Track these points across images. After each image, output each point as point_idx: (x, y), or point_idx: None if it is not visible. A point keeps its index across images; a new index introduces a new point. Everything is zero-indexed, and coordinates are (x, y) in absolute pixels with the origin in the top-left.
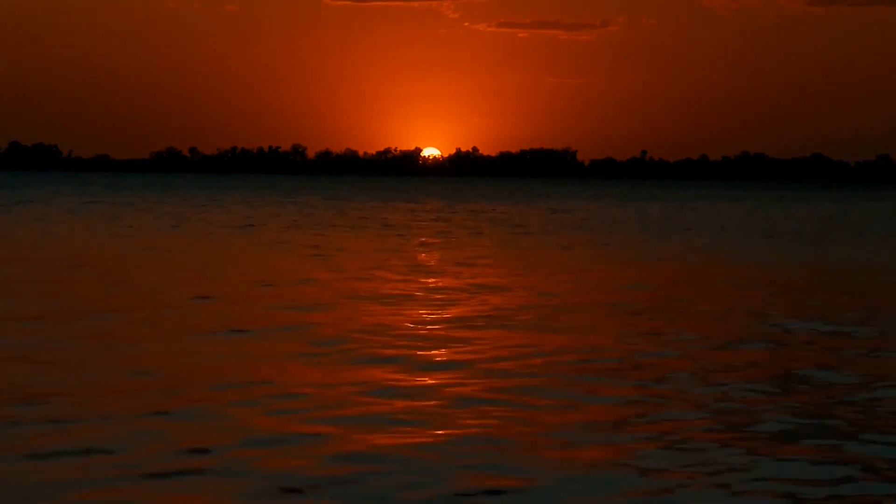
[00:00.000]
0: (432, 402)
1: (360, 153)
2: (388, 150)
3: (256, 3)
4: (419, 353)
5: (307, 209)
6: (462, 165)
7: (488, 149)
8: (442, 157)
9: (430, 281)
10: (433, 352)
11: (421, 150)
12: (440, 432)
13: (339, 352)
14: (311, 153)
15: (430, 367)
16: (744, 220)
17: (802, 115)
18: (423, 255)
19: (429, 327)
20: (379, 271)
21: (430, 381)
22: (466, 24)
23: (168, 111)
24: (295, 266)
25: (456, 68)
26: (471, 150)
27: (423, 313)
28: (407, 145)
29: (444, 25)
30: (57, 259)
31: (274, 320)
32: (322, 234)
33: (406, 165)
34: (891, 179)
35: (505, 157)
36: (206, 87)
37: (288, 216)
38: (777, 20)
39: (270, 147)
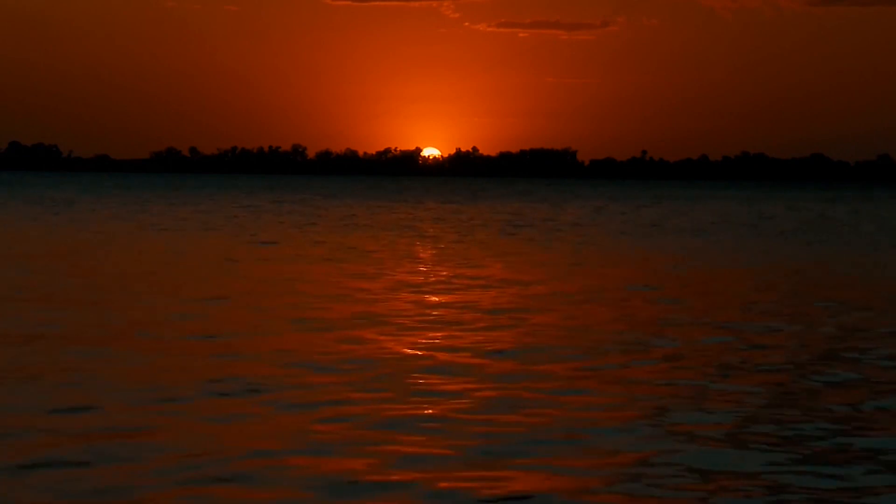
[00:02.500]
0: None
1: (360, 153)
2: (388, 150)
3: (256, 3)
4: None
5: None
6: (462, 165)
7: (488, 149)
8: (442, 157)
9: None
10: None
11: (421, 150)
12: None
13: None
14: (311, 153)
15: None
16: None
17: (802, 115)
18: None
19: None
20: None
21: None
22: (466, 24)
23: (168, 111)
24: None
25: (456, 68)
26: (471, 150)
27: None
28: (407, 145)
29: (444, 25)
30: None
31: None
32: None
33: (406, 165)
34: (891, 179)
35: (505, 157)
36: (206, 87)
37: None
38: (777, 20)
39: (270, 147)
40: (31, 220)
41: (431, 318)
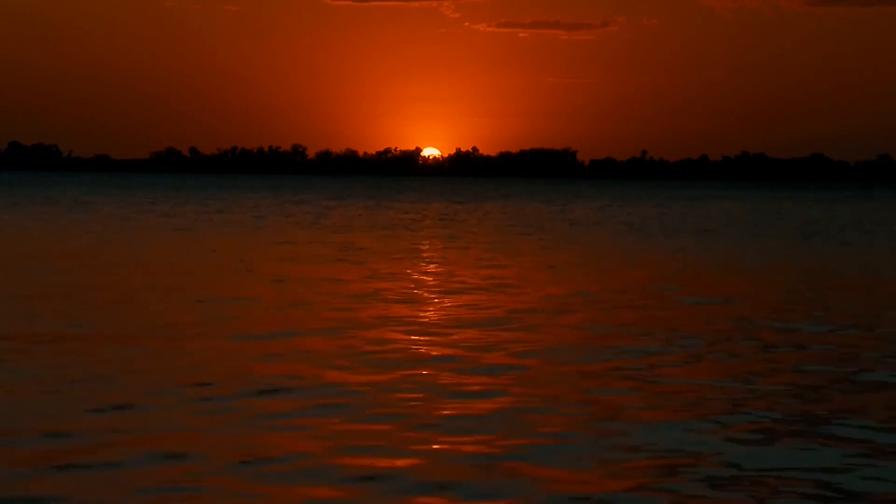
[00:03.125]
0: None
1: (360, 153)
2: (388, 150)
3: (256, 3)
4: None
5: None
6: (462, 165)
7: (488, 149)
8: (442, 157)
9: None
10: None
11: (421, 150)
12: None
13: None
14: (311, 153)
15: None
16: None
17: (802, 115)
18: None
19: None
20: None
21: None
22: (466, 24)
23: (168, 111)
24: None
25: (456, 68)
26: (471, 150)
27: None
28: (407, 145)
29: (444, 25)
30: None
31: None
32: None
33: (406, 165)
34: (891, 179)
35: (505, 157)
36: (206, 87)
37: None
38: (777, 20)
39: (270, 147)
40: (40, 221)
41: (456, 318)
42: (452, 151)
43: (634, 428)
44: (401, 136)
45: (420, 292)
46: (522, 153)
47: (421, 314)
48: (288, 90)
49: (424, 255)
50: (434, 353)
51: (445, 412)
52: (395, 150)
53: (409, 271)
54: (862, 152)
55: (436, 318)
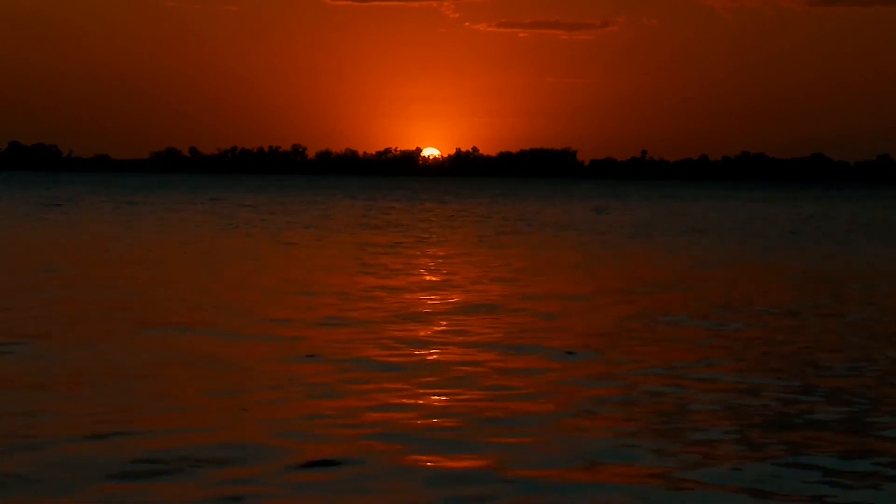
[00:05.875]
0: None
1: (360, 153)
2: (388, 150)
3: (256, 3)
4: None
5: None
6: (462, 165)
7: (488, 149)
8: (442, 157)
9: None
10: None
11: (421, 150)
12: None
13: None
14: (311, 153)
15: None
16: None
17: (802, 115)
18: None
19: None
20: None
21: None
22: (466, 24)
23: (168, 111)
24: None
25: (456, 68)
26: (471, 150)
27: None
28: (407, 145)
29: (444, 25)
30: None
31: None
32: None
33: (406, 165)
34: (891, 179)
35: (505, 157)
36: (206, 87)
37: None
38: (777, 20)
39: (270, 147)
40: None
41: (499, 326)
42: (452, 151)
43: (697, 428)
44: (401, 136)
45: (468, 299)
46: (522, 153)
47: (467, 321)
48: (288, 90)
49: (462, 257)
50: (483, 357)
51: (499, 415)
52: (395, 150)
53: (452, 276)
54: (862, 152)
55: (482, 324)
